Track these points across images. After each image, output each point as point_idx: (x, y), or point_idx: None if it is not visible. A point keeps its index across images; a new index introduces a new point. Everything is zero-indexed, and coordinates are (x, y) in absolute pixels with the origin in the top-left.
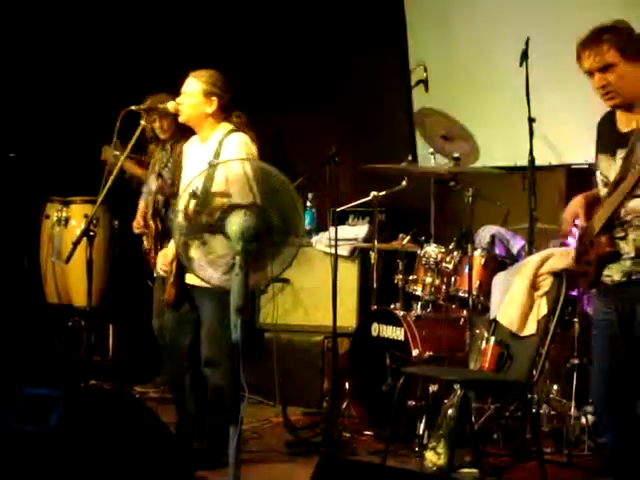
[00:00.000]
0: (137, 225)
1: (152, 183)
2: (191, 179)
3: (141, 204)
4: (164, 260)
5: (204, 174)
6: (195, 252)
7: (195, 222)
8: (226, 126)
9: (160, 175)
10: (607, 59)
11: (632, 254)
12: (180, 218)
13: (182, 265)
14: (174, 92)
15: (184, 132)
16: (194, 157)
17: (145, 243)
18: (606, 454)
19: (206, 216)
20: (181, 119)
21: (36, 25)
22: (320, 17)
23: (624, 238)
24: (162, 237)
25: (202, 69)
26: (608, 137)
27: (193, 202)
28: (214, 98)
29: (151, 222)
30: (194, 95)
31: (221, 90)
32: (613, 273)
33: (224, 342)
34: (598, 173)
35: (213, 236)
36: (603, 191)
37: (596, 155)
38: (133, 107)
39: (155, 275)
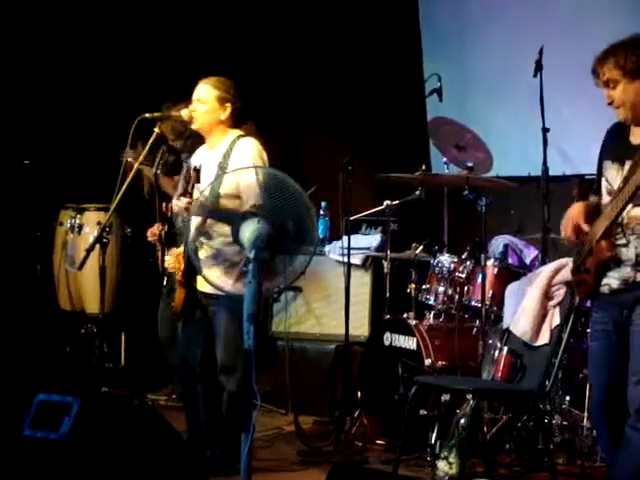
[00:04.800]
0: (151, 234)
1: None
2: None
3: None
4: (173, 258)
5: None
6: (204, 254)
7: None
8: (235, 132)
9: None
10: (609, 76)
11: (633, 260)
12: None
13: (191, 270)
14: (188, 101)
15: (198, 142)
16: (203, 164)
17: (158, 251)
18: None
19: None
20: (194, 126)
21: (51, 34)
22: (334, 26)
23: (626, 245)
24: (168, 242)
25: (212, 76)
26: (618, 146)
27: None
28: (227, 104)
29: (159, 226)
30: (208, 102)
31: (234, 97)
32: (611, 281)
33: (239, 349)
34: (604, 180)
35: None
36: (606, 199)
37: (600, 160)
38: (147, 115)
39: (164, 283)
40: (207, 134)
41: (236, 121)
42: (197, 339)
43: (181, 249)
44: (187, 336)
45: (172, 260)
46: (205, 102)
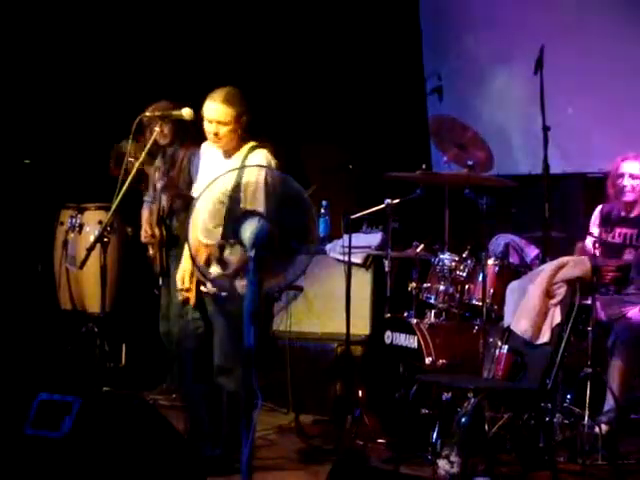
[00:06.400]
0: (145, 234)
1: (154, 189)
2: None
3: (144, 213)
4: (182, 284)
5: (218, 183)
6: (214, 269)
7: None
8: (249, 143)
9: (164, 175)
10: None
11: None
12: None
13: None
14: (176, 100)
15: (183, 138)
16: (217, 170)
17: (150, 251)
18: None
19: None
20: (219, 146)
21: (52, 36)
22: (336, 24)
23: None
24: (167, 244)
25: (220, 90)
26: None
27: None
28: (244, 118)
29: (156, 229)
30: (229, 122)
31: (246, 107)
32: None
33: (236, 349)
34: None
35: (230, 249)
36: None
37: None
38: (148, 114)
39: (160, 283)
40: (225, 146)
41: (249, 129)
42: (193, 336)
43: (187, 271)
44: (184, 334)
45: (180, 288)
46: (227, 123)
